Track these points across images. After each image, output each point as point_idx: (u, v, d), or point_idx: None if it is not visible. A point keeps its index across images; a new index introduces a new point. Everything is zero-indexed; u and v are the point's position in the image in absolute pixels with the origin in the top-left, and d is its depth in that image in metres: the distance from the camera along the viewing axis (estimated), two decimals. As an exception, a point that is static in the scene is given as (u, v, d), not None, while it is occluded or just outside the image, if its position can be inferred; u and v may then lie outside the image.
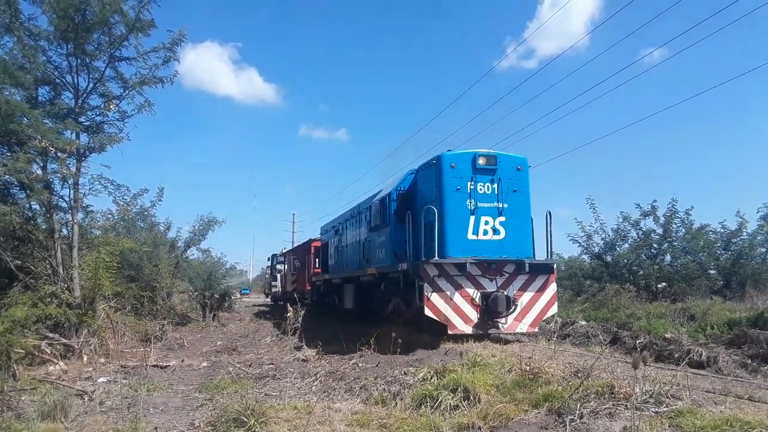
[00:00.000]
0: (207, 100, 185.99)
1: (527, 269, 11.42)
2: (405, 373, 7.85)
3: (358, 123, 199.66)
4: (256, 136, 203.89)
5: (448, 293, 10.93)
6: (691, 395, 5.53)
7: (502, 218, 11.74)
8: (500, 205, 11.76)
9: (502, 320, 11.24)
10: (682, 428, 4.70)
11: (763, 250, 20.06)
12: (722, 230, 21.09)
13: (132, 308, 17.43)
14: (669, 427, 4.78)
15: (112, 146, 13.10)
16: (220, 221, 23.56)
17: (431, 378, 7.15)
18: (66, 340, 11.31)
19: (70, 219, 12.91)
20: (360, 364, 9.59)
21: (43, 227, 13.04)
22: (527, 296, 11.54)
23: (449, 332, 10.68)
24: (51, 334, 11.18)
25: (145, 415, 6.62)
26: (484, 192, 11.73)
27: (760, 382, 7.74)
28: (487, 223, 11.66)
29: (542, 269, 11.75)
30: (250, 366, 10.88)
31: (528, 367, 7.26)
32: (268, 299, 45.45)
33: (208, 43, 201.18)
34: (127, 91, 13.27)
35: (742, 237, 20.42)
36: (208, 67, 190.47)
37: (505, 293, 11.16)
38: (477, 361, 8.23)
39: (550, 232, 12.22)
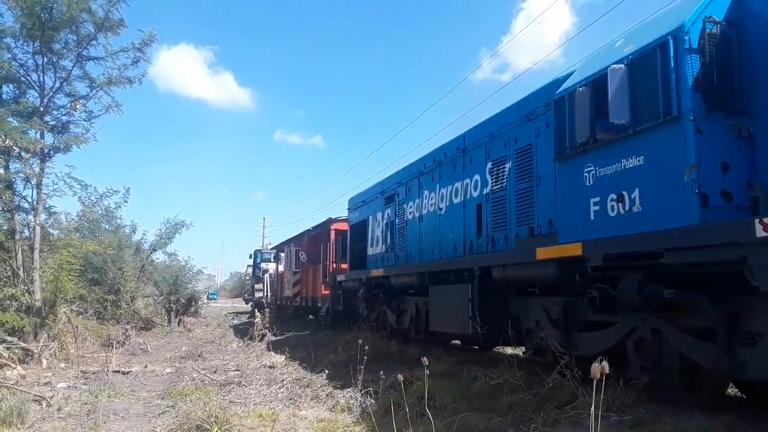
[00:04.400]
0: (181, 103, 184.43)
1: None
2: (372, 381, 7.86)
3: (335, 130, 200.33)
4: (229, 139, 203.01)
5: None
6: (652, 405, 5.64)
7: None
8: None
9: None
10: (641, 437, 4.80)
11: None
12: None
13: (94, 312, 17.07)
14: (629, 435, 4.88)
15: (78, 147, 12.93)
16: (188, 224, 23.23)
17: (398, 386, 7.17)
18: (24, 344, 11.03)
19: (32, 220, 12.63)
20: (327, 371, 9.56)
21: (4, 228, 12.72)
22: None
23: None
24: (9, 338, 10.91)
25: (105, 422, 6.50)
26: None
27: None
28: None
29: None
30: (215, 372, 10.75)
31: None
32: (248, 306, 37.66)
33: (183, 45, 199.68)
34: (94, 91, 13.11)
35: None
36: (183, 69, 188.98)
37: None
38: (444, 371, 8.30)
39: None
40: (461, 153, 10.07)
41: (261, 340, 15.30)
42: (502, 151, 8.77)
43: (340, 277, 16.04)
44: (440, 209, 10.69)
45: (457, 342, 11.75)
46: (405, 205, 12.40)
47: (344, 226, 17.25)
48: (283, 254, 26.52)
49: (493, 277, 8.39)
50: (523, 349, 8.63)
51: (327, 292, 17.88)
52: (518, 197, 8.23)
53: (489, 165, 9.08)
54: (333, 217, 19.24)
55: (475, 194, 9.47)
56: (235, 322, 28.39)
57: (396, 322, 12.39)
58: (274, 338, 13.56)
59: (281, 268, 26.92)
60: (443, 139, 11.37)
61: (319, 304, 19.20)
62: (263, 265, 32.46)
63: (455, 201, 10.15)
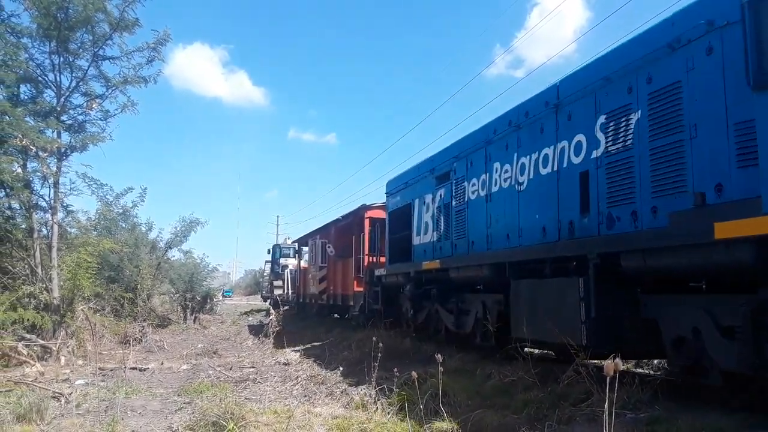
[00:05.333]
0: (196, 102, 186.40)
1: None
2: (386, 378, 7.87)
3: (348, 128, 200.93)
4: (243, 137, 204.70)
5: None
6: (668, 402, 5.60)
7: None
8: None
9: None
10: (657, 435, 4.76)
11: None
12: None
13: (112, 309, 17.28)
14: (645, 433, 4.84)
15: (95, 145, 13.06)
16: (203, 222, 23.39)
17: (412, 383, 7.18)
18: (43, 342, 11.18)
19: (50, 219, 12.78)
20: (342, 368, 9.58)
21: (23, 227, 12.89)
22: None
23: None
24: (28, 336, 11.05)
25: (123, 419, 6.56)
26: None
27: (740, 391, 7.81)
28: None
29: None
30: (230, 369, 10.83)
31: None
32: (267, 303, 33.36)
33: (198, 45, 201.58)
34: (110, 91, 13.25)
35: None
36: (198, 68, 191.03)
37: None
38: (458, 368, 8.28)
39: None
40: (553, 109, 7.65)
41: (276, 337, 15.40)
42: (624, 99, 6.49)
43: (379, 272, 13.80)
44: (519, 184, 8.30)
45: (547, 352, 9.25)
46: (465, 183, 9.99)
47: (380, 214, 15.34)
48: (306, 248, 24.86)
49: (622, 267, 6.09)
50: (665, 364, 6.78)
51: (360, 288, 15.81)
52: (656, 157, 5.96)
53: (601, 119, 6.74)
54: (367, 203, 16.64)
55: (577, 160, 7.07)
56: (250, 319, 27.86)
57: (454, 325, 10.17)
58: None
59: (304, 263, 25.16)
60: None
61: (351, 303, 16.98)
62: (282, 261, 31.04)
63: (543, 172, 7.76)
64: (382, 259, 14.58)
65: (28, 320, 10.96)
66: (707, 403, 5.50)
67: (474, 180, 9.73)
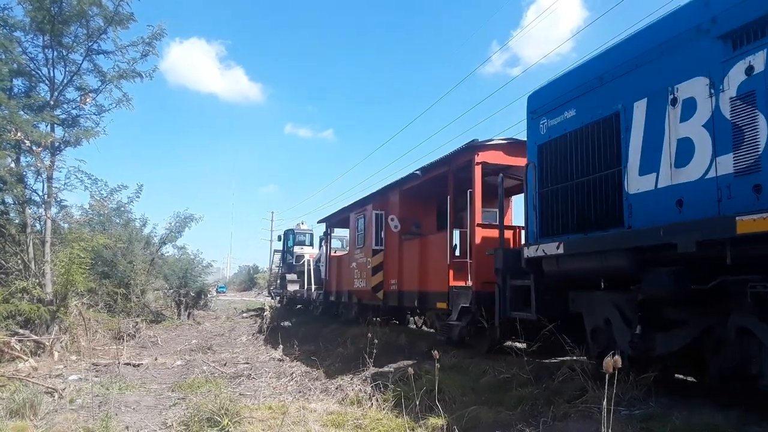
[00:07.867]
0: (191, 97, 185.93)
1: None
2: (381, 374, 7.87)
3: (346, 124, 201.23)
4: (239, 133, 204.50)
5: None
6: (662, 399, 5.61)
7: None
8: None
9: None
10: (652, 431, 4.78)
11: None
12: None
13: (105, 305, 17.23)
14: (640, 430, 4.85)
15: (88, 140, 13.00)
16: (197, 218, 23.34)
17: (407, 379, 7.19)
18: (37, 337, 11.13)
19: (44, 214, 12.73)
20: (336, 364, 9.59)
21: (16, 221, 12.83)
22: None
23: None
24: (21, 331, 11.01)
25: (117, 414, 6.54)
26: None
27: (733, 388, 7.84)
28: None
29: None
30: (225, 365, 10.81)
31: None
32: (275, 301, 27.23)
33: (194, 39, 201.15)
34: (104, 85, 13.19)
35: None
36: (194, 64, 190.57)
37: None
38: (453, 365, 8.29)
39: None
40: None
41: (269, 332, 15.39)
42: None
43: (544, 250, 6.61)
44: None
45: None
46: None
47: (504, 159, 9.47)
48: (339, 230, 19.26)
49: None
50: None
51: (461, 282, 9.90)
52: None
53: None
54: (478, 140, 9.44)
55: None
56: (244, 315, 26.01)
57: None
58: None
59: (337, 249, 19.56)
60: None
61: (440, 304, 10.26)
62: (297, 250, 25.96)
63: None
64: (506, 234, 9.10)
65: (21, 314, 10.92)
66: (701, 399, 5.51)
67: None
